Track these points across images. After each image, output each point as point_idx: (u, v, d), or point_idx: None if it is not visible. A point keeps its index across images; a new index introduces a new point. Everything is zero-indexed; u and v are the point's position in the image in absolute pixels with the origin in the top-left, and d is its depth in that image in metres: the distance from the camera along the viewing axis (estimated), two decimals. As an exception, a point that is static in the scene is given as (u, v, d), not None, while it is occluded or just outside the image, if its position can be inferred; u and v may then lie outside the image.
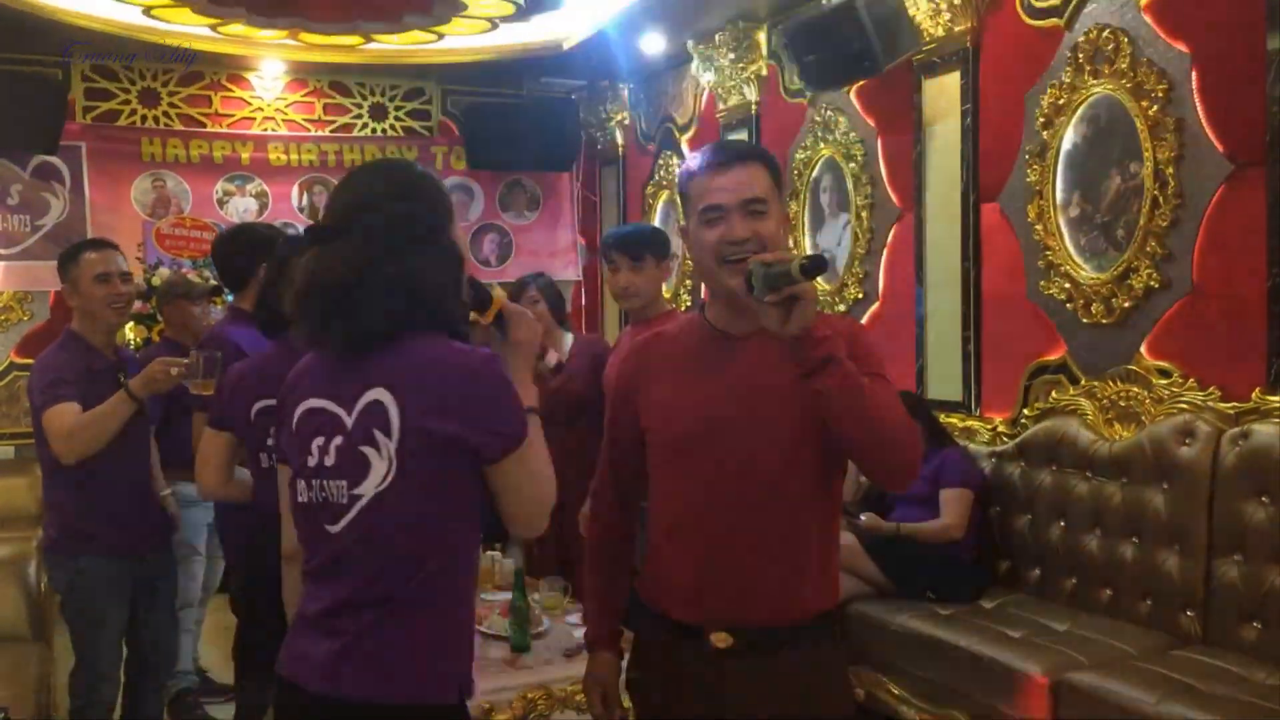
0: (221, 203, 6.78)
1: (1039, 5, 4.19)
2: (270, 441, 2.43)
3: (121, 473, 3.29)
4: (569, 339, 4.36)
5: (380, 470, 1.70)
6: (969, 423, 4.43)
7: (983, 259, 4.46)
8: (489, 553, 4.19)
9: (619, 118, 7.32)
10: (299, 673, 1.75)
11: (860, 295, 5.17)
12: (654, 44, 6.18)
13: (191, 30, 5.98)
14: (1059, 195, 4.09)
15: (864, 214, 5.11)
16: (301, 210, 6.95)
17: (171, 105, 6.68)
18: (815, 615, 1.94)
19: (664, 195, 6.88)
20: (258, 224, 4.31)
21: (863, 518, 4.15)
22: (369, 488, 1.71)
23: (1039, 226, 4.15)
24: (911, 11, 4.57)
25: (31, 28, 5.75)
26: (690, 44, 6.07)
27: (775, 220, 1.96)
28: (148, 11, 5.58)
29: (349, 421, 1.74)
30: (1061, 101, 4.05)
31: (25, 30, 5.78)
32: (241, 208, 6.82)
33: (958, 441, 4.30)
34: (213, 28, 5.92)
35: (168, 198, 6.64)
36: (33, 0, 5.50)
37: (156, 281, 6.01)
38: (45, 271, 6.32)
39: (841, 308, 5.25)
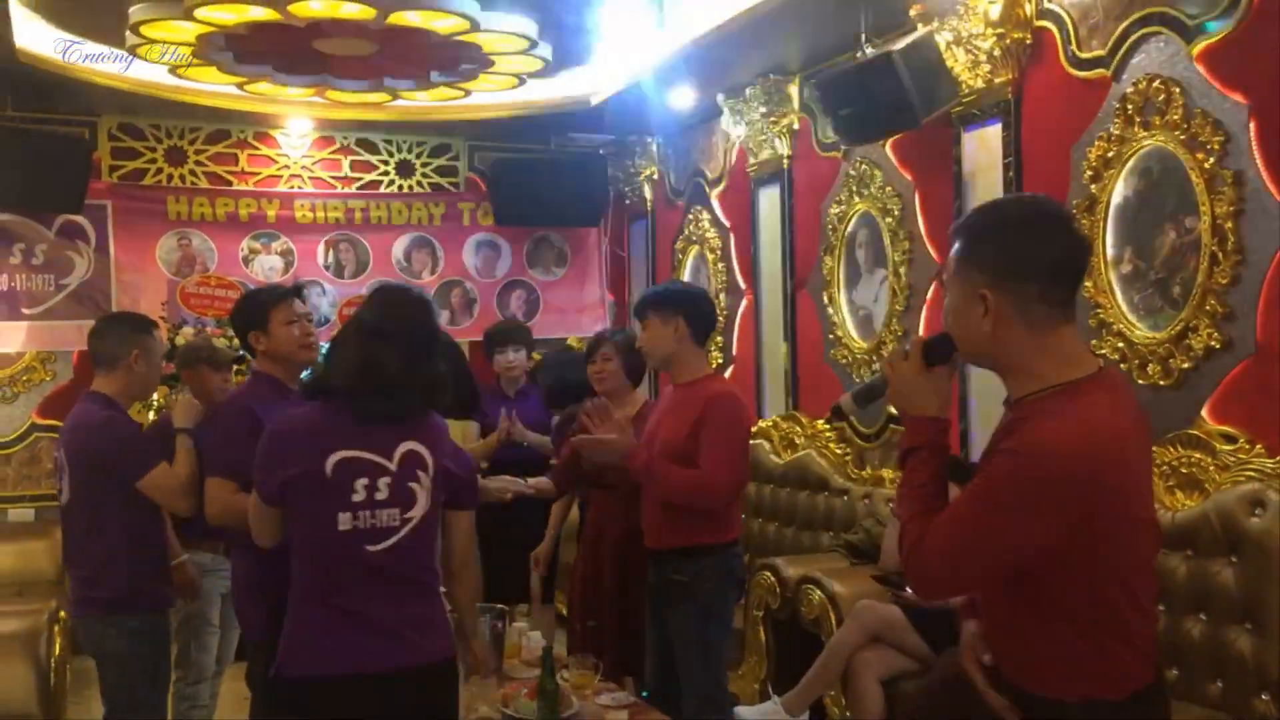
0: (247, 260, 6.72)
1: (1083, 56, 4.06)
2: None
3: (163, 529, 3.54)
4: (639, 402, 4.11)
5: (423, 499, 2.51)
6: (1017, 488, 4.23)
7: (1028, 317, 4.29)
8: (515, 625, 4.02)
9: (648, 172, 7.23)
10: (360, 659, 2.42)
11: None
12: (683, 98, 6.10)
13: (218, 89, 5.95)
14: (1109, 251, 3.92)
15: (902, 270, 4.96)
16: (327, 267, 6.88)
17: (198, 163, 6.65)
18: None
19: (693, 251, 6.76)
20: (255, 291, 4.22)
21: (907, 589, 3.95)
22: (417, 512, 2.50)
23: (1088, 283, 3.97)
24: (950, 63, 4.44)
25: (58, 88, 5.73)
26: (720, 98, 5.98)
27: None
28: (173, 71, 5.55)
29: (391, 465, 2.48)
30: (1110, 154, 3.90)
31: (52, 90, 5.77)
32: (267, 265, 6.76)
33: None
34: (239, 86, 5.88)
35: (193, 256, 6.59)
36: (59, 61, 5.49)
37: (180, 341, 5.94)
38: (69, 331, 6.29)
39: (879, 367, 5.08)
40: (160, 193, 6.53)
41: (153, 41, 5.05)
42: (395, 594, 2.49)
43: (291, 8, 4.60)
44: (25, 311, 6.20)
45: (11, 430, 6.25)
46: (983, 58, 4.35)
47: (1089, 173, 3.97)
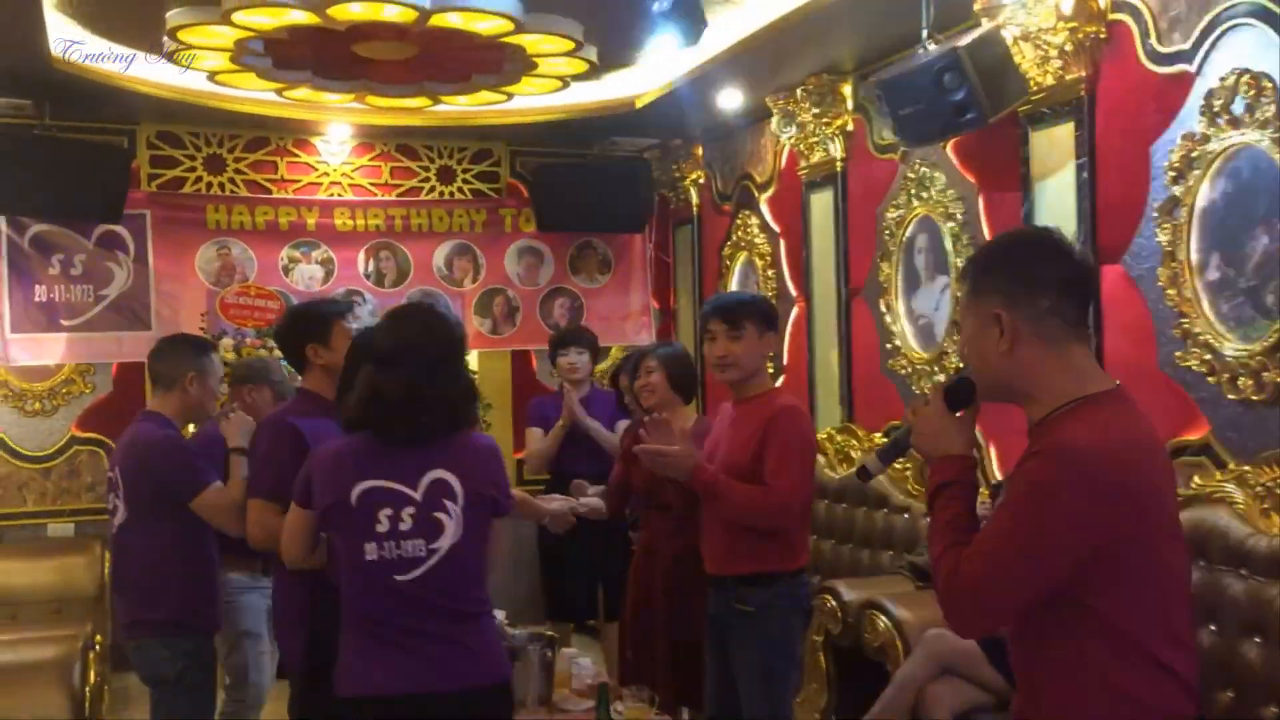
0: (287, 270, 6.60)
1: (1163, 50, 3.83)
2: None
3: (214, 549, 3.54)
4: (690, 419, 3.94)
5: (452, 529, 2.46)
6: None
7: (1104, 325, 4.06)
8: (565, 650, 3.86)
9: (693, 176, 7.05)
10: (403, 682, 2.44)
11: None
12: (730, 100, 5.91)
13: (257, 95, 5.83)
14: (1194, 257, 3.69)
15: (965, 277, 4.73)
16: (368, 276, 6.75)
17: (237, 171, 6.54)
18: None
19: (741, 257, 6.56)
20: (314, 302, 4.16)
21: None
22: (444, 543, 2.45)
23: (1172, 291, 3.75)
24: (1017, 59, 4.22)
25: (97, 96, 5.64)
26: (769, 99, 5.78)
27: None
28: (211, 77, 5.43)
29: (416, 495, 2.46)
30: (1194, 154, 3.66)
31: (90, 99, 5.68)
32: (307, 275, 6.64)
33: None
34: (278, 92, 5.76)
35: (232, 266, 6.48)
36: (98, 69, 5.39)
37: (222, 353, 5.82)
38: (108, 343, 6.20)
39: (941, 377, 4.86)
40: (199, 201, 6.42)
41: (190, 47, 4.93)
42: (433, 621, 2.48)
43: (331, 10, 4.46)
44: (64, 323, 6.11)
45: (51, 444, 6.16)
46: (1053, 53, 4.13)
47: (1171, 174, 3.74)
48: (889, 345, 5.23)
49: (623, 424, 4.92)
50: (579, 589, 4.86)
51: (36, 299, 6.04)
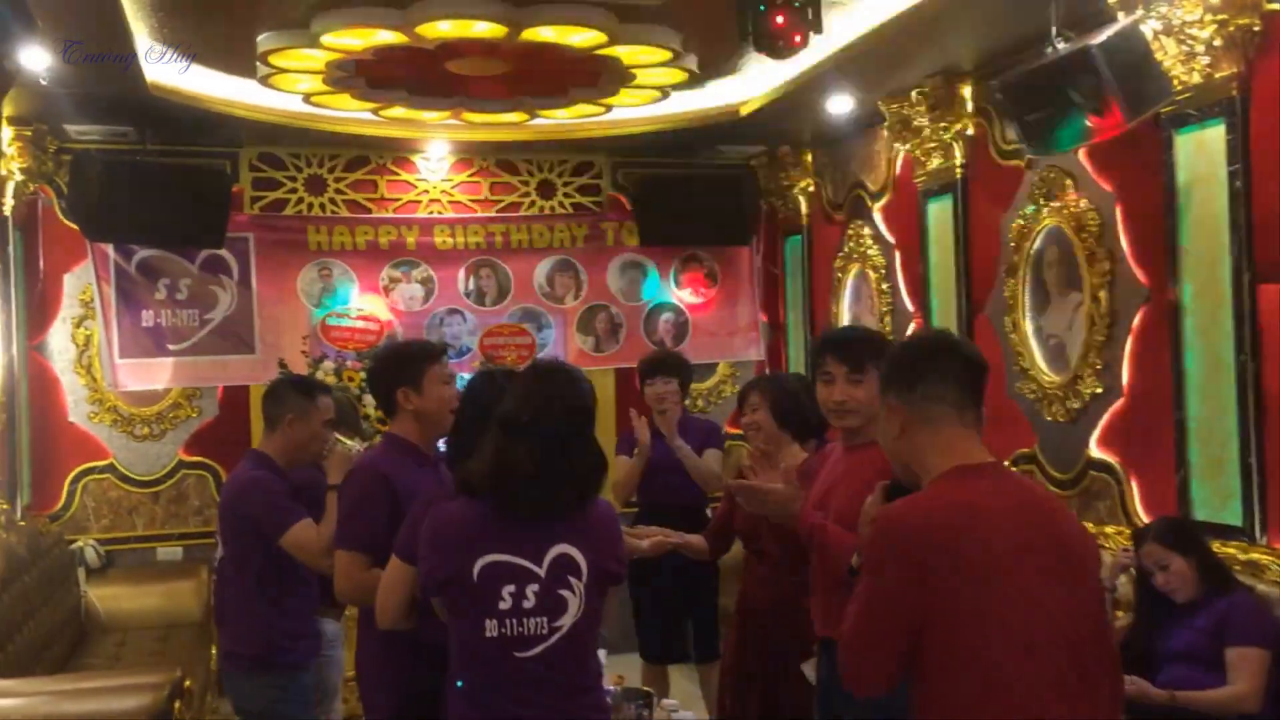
0: (388, 290, 6.52)
1: (1332, 41, 3.39)
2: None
3: (307, 586, 3.53)
4: (800, 457, 3.65)
5: (574, 606, 2.35)
6: (1253, 555, 3.59)
7: (1263, 352, 3.63)
8: (665, 702, 3.62)
9: (802, 184, 6.73)
10: None
11: (1099, 390, 4.37)
12: (840, 105, 5.58)
13: (355, 115, 5.75)
14: (1372, 275, 3.25)
15: (1101, 294, 4.33)
16: (468, 295, 6.63)
17: (338, 191, 6.48)
18: None
19: (854, 270, 6.23)
20: (408, 343, 4.04)
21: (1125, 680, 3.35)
22: (567, 620, 2.35)
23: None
24: (1159, 56, 3.81)
25: (197, 121, 5.63)
26: (882, 103, 5.44)
27: None
28: (307, 99, 5.36)
29: (540, 571, 2.34)
30: (1371, 159, 3.23)
31: (191, 124, 5.67)
32: (408, 294, 6.54)
33: (1242, 583, 3.46)
34: (374, 111, 5.67)
35: (334, 287, 6.42)
36: (198, 94, 5.37)
37: (320, 376, 5.76)
38: (214, 367, 6.21)
39: (1075, 404, 4.47)
40: (301, 223, 6.39)
41: (284, 71, 4.86)
42: (550, 697, 2.38)
43: (419, 29, 4.31)
44: (170, 348, 6.13)
45: (159, 468, 6.19)
46: (1200, 49, 3.72)
47: (1343, 182, 3.31)
48: (1016, 367, 4.84)
49: (711, 453, 4.69)
50: (668, 630, 4.63)
51: (144, 324, 6.08)
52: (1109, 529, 4.24)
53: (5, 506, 5.05)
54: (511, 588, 2.32)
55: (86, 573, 5.82)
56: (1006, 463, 4.83)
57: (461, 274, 6.61)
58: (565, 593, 2.35)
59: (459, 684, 2.42)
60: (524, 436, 2.35)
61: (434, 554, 2.39)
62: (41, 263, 5.96)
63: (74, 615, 5.52)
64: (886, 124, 5.52)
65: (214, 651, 5.64)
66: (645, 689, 3.47)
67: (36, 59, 4.18)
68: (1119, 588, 3.73)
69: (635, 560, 3.93)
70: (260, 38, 4.51)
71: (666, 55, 4.72)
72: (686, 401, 6.89)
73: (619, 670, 4.15)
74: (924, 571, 1.90)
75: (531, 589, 2.33)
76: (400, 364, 3.16)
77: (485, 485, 2.38)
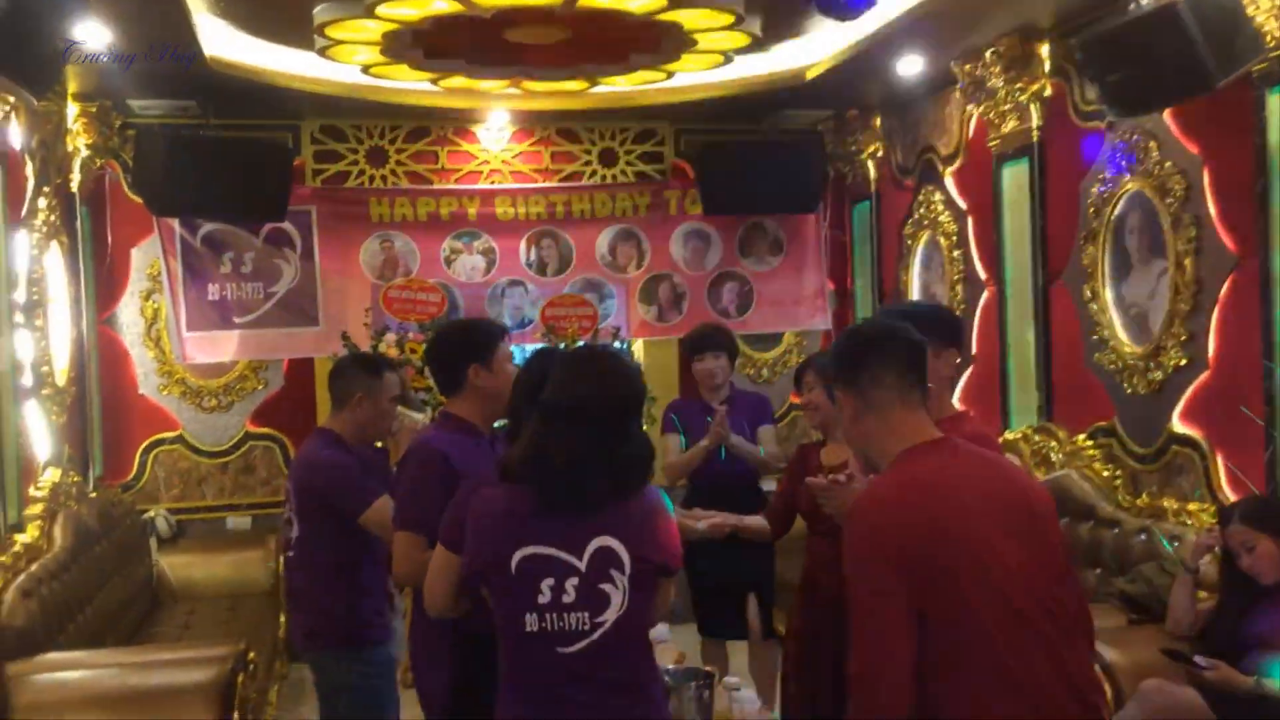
0: (449, 261, 6.49)
1: None
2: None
3: (385, 562, 3.37)
4: None
5: (618, 601, 2.22)
6: (1350, 536, 3.40)
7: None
8: (726, 680, 3.55)
9: (871, 149, 6.55)
10: None
11: (1183, 362, 4.18)
12: (910, 66, 5.39)
13: (412, 86, 5.69)
14: None
15: (1186, 261, 4.13)
16: (529, 266, 6.57)
17: (399, 163, 6.45)
18: None
19: (924, 236, 6.05)
20: (477, 321, 3.99)
21: (1203, 663, 3.21)
22: (610, 615, 2.22)
23: None
24: (1251, 11, 3.60)
25: (258, 94, 5.62)
26: (955, 64, 5.24)
27: None
28: (365, 71, 5.31)
29: (581, 565, 2.22)
30: None
31: (252, 96, 5.66)
32: (469, 265, 6.51)
33: (1338, 566, 3.28)
34: (433, 82, 5.61)
35: (395, 259, 6.41)
36: (257, 67, 5.35)
37: (383, 348, 5.77)
38: (278, 339, 6.24)
39: (1157, 375, 4.29)
40: (363, 195, 6.37)
41: (340, 42, 4.81)
42: (596, 696, 2.25)
43: (475, -2, 4.24)
44: (236, 321, 6.17)
45: (227, 439, 6.26)
46: (1297, 0, 3.49)
47: None
48: (1095, 337, 4.66)
49: (764, 429, 4.60)
50: (729, 604, 4.54)
51: (210, 297, 6.12)
52: (1192, 506, 4.07)
53: (77, 479, 5.12)
54: (550, 581, 2.22)
55: (158, 542, 5.91)
56: (1082, 436, 4.68)
57: (523, 245, 6.56)
58: (607, 587, 2.23)
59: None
60: (560, 424, 2.26)
61: (475, 543, 2.31)
62: (110, 237, 6.03)
63: (146, 584, 5.62)
64: (959, 86, 5.33)
65: (282, 620, 5.72)
66: (707, 669, 3.39)
67: (95, 34, 4.19)
68: (1202, 568, 3.57)
69: (695, 540, 3.88)
70: (316, 9, 4.46)
71: (728, 19, 4.58)
72: (751, 371, 6.90)
73: (681, 641, 4.10)
74: (906, 558, 1.95)
75: (571, 583, 2.22)
76: (472, 340, 3.09)
77: (521, 472, 2.29)
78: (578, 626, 2.21)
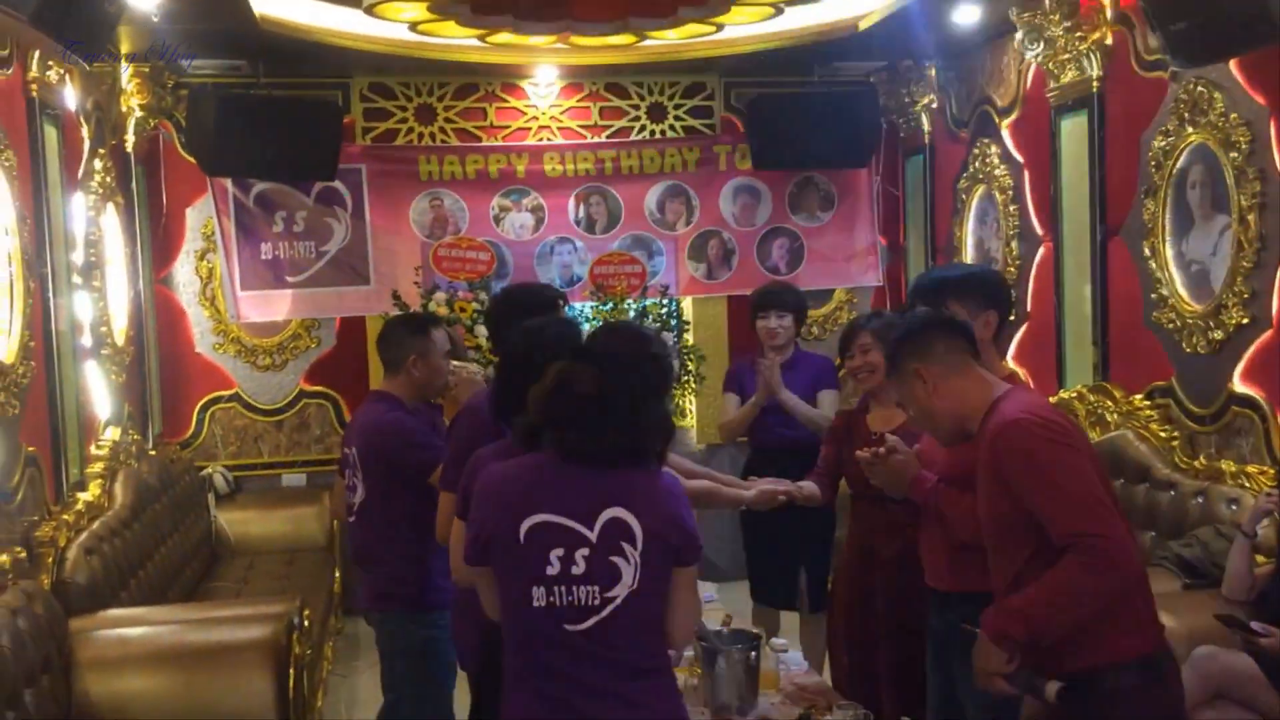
0: (498, 219, 6.49)
1: None
2: (550, 570, 2.19)
3: None
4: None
5: (629, 576, 2.16)
6: None
7: None
8: (774, 641, 3.55)
9: (925, 100, 6.42)
10: None
11: (1245, 320, 4.06)
12: (967, 15, 5.25)
13: (459, 43, 5.66)
14: None
15: (1250, 217, 4.00)
16: (578, 223, 6.55)
17: (447, 120, 6.44)
18: None
19: (979, 190, 5.93)
20: (536, 286, 3.97)
21: (1260, 629, 3.15)
22: (621, 591, 2.16)
23: None
24: (1324, -46, 3.44)
25: (308, 52, 5.62)
26: (1014, 12, 5.10)
27: None
28: (413, 28, 5.29)
29: (591, 535, 2.16)
30: None
31: (301, 55, 5.67)
32: (518, 223, 6.51)
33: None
34: (480, 38, 5.57)
35: (445, 217, 6.42)
36: (307, 26, 5.35)
37: (433, 307, 5.80)
38: (330, 298, 6.31)
39: (1218, 335, 4.17)
40: (412, 153, 6.38)
41: (388, 1, 4.79)
42: (603, 675, 2.17)
43: (521, -47, 4.18)
44: (289, 279, 6.24)
45: (282, 397, 6.36)
46: (1375, -58, 3.33)
47: None
48: (1154, 295, 4.54)
49: (826, 394, 4.51)
50: (781, 574, 4.50)
51: (263, 256, 6.19)
52: (1251, 469, 3.98)
53: (136, 437, 5.23)
54: (560, 551, 2.14)
55: (216, 498, 6.04)
56: (1139, 396, 4.60)
57: (571, 202, 6.53)
58: (618, 559, 2.15)
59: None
60: (590, 362, 2.20)
61: (482, 512, 2.25)
62: (165, 197, 6.10)
63: (205, 539, 5.75)
64: (1017, 35, 5.18)
65: (337, 575, 5.83)
66: (754, 630, 3.40)
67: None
68: (1259, 533, 3.49)
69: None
70: (363, -33, 4.45)
71: (778, -30, 4.49)
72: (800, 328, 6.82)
73: (729, 601, 4.10)
74: (1073, 435, 2.35)
75: (581, 554, 2.14)
76: (531, 307, 3.09)
77: (539, 409, 2.22)
78: (587, 601, 2.14)
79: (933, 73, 6.34)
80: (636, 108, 6.59)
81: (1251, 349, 4.05)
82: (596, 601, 2.13)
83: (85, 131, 4.89)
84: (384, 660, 3.57)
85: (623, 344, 2.29)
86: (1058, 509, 2.22)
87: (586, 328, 5.72)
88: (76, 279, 4.62)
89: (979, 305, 2.81)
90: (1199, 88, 4.22)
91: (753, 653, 3.19)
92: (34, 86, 4.10)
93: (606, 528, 2.14)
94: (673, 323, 6.16)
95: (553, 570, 2.13)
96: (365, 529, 3.54)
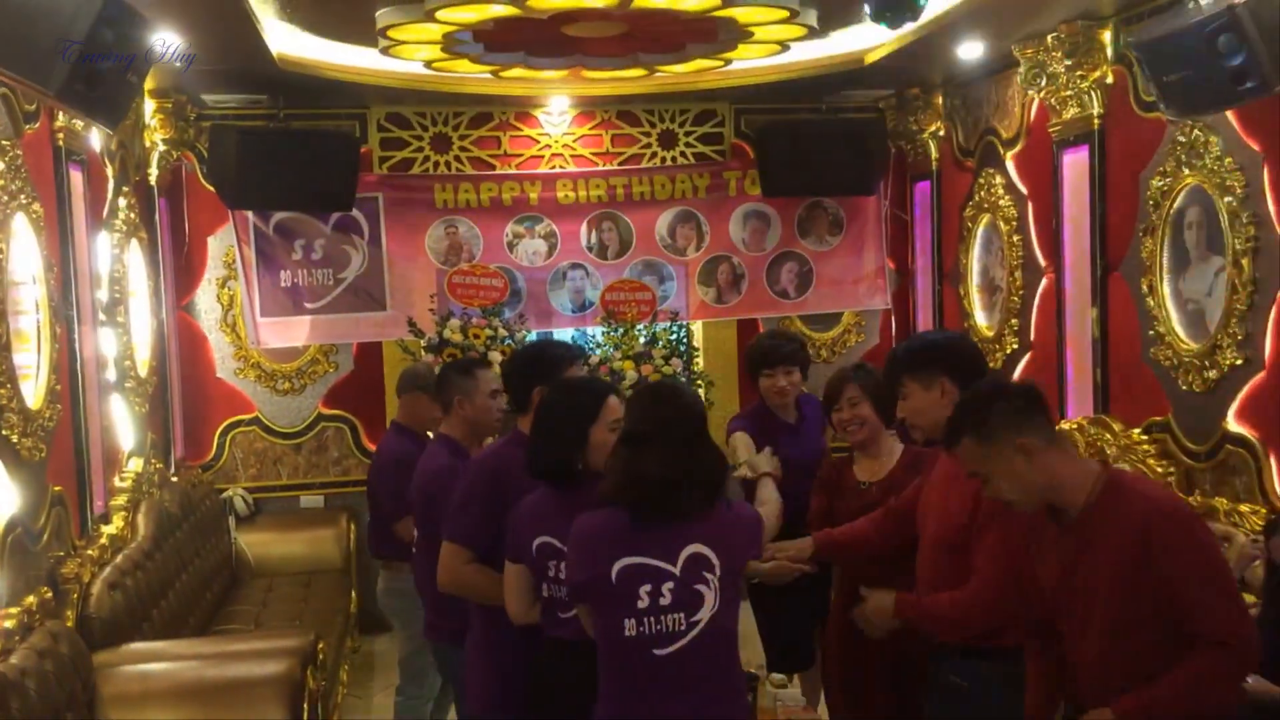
0: (511, 246, 6.61)
1: None
2: (551, 574, 2.75)
3: None
4: (897, 448, 3.56)
5: (711, 600, 2.48)
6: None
7: None
8: (773, 676, 3.63)
9: (932, 128, 6.50)
10: None
11: (1239, 361, 4.14)
12: (972, 51, 5.34)
13: (474, 76, 5.79)
14: None
15: (1244, 261, 4.08)
16: (590, 249, 6.67)
17: (462, 149, 6.56)
18: None
19: (984, 219, 6.01)
20: (552, 344, 4.03)
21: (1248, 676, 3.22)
22: (704, 614, 2.48)
23: None
24: (1314, 9, 3.51)
25: (327, 85, 5.75)
26: (1016, 48, 5.17)
27: None
28: (428, 65, 5.42)
29: (675, 570, 2.48)
30: None
31: (322, 88, 5.80)
32: (531, 250, 6.63)
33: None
34: (494, 73, 5.69)
35: (460, 244, 6.55)
36: (323, 63, 5.49)
37: (448, 334, 5.93)
38: (348, 324, 6.44)
39: (1213, 374, 4.25)
40: (427, 181, 6.50)
41: (402, 43, 4.92)
42: (691, 696, 2.48)
43: (531, 2, 4.30)
44: (308, 306, 6.38)
45: (301, 420, 6.49)
46: (1362, 0, 3.40)
47: None
48: (1151, 331, 4.62)
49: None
50: (796, 635, 4.16)
51: (282, 284, 6.33)
52: (1244, 508, 4.05)
53: (159, 465, 5.37)
54: (648, 587, 2.45)
55: (236, 520, 6.18)
56: (1137, 430, 4.68)
57: (583, 228, 6.65)
58: (701, 588, 2.46)
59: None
60: (649, 445, 2.50)
61: (576, 561, 2.54)
62: (187, 226, 6.25)
63: (226, 561, 5.89)
64: (1020, 69, 5.25)
65: (353, 595, 5.97)
66: (752, 670, 3.49)
67: (168, 42, 4.34)
68: (1245, 577, 3.56)
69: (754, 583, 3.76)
70: (379, 14, 4.57)
71: (783, 14, 4.58)
72: (809, 351, 6.74)
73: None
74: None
75: (667, 586, 2.45)
76: (541, 364, 3.23)
77: (619, 495, 2.51)
78: (674, 627, 2.45)
79: (940, 101, 6.42)
80: (647, 135, 6.70)
81: (1245, 390, 4.13)
82: (682, 627, 2.46)
83: (110, 171, 5.03)
84: (455, 690, 3.71)
85: (673, 415, 2.58)
86: (1221, 605, 2.31)
87: (597, 352, 5.91)
88: (101, 316, 4.74)
89: (931, 372, 2.99)
90: (1195, 131, 4.29)
91: (750, 691, 3.30)
92: (60, 135, 4.24)
93: (689, 561, 2.47)
94: (681, 348, 6.26)
95: (642, 604, 2.45)
96: (421, 563, 3.59)
